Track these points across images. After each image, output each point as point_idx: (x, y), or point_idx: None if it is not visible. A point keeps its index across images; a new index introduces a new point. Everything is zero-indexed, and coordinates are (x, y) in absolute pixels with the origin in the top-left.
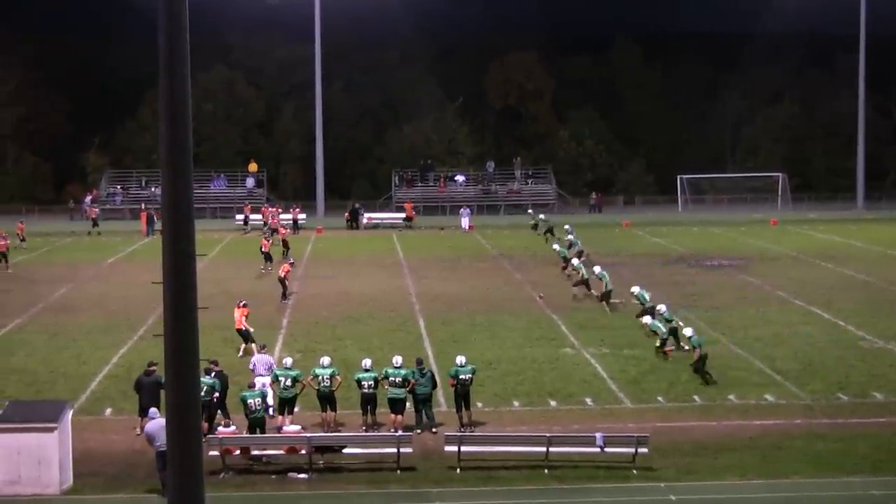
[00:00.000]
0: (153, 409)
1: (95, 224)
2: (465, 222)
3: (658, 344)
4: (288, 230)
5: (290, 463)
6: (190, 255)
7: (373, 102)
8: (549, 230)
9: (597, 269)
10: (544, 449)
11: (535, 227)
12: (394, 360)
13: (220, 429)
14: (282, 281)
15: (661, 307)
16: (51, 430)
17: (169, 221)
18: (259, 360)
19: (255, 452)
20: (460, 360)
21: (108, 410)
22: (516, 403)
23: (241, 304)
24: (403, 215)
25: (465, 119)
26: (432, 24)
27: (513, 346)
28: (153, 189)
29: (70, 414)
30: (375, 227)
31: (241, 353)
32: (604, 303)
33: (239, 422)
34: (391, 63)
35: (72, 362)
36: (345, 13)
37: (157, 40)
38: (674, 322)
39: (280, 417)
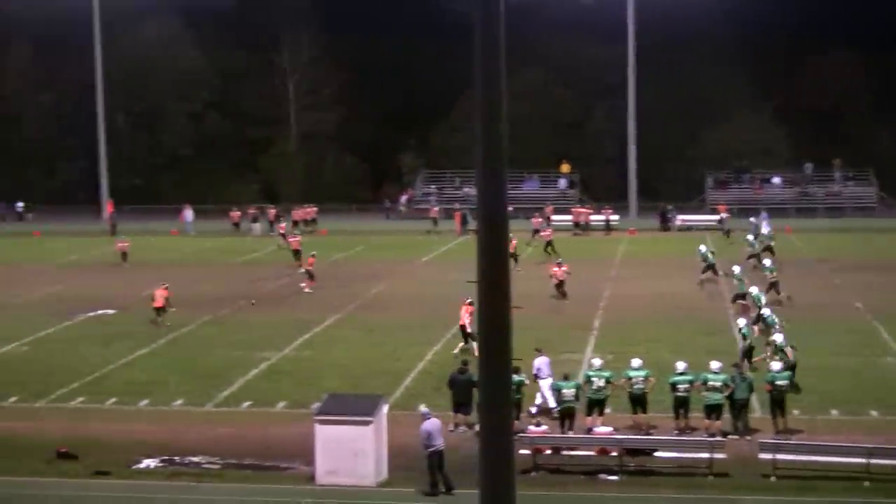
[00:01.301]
0: (425, 409)
1: (436, 223)
2: (764, 227)
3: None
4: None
5: (600, 464)
6: (504, 255)
7: (685, 103)
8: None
9: (736, 268)
10: (864, 460)
11: (727, 233)
12: (712, 365)
13: (531, 428)
14: (558, 283)
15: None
16: (367, 423)
17: (483, 221)
18: (542, 361)
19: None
20: (714, 365)
21: (423, 406)
22: (834, 412)
23: (468, 301)
24: (717, 217)
25: (780, 120)
26: (745, 24)
27: (830, 354)
28: (466, 189)
29: (385, 408)
30: (688, 228)
31: (456, 351)
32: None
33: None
34: (703, 63)
35: (387, 358)
36: (657, 13)
37: (472, 41)
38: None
39: (590, 418)
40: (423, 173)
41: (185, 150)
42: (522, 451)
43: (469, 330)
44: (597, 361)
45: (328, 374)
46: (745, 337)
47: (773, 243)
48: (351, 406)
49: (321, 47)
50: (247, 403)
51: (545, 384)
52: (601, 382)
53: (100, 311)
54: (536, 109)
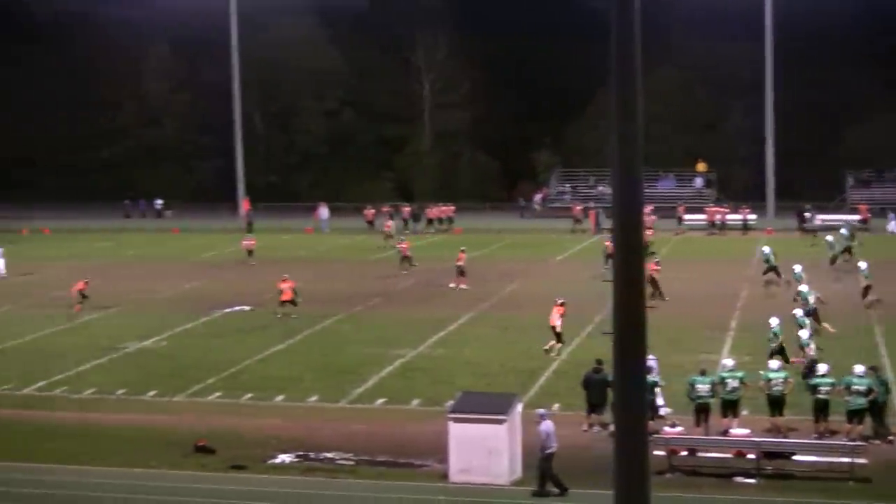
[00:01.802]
0: (543, 410)
1: (578, 221)
2: (892, 225)
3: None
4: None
5: (736, 467)
6: (639, 254)
7: (824, 101)
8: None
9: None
10: None
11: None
12: (855, 369)
13: (666, 429)
14: (651, 281)
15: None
16: (501, 421)
17: (619, 220)
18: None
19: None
20: (858, 369)
21: (556, 406)
22: None
23: (559, 302)
24: (858, 217)
25: None
26: (886, 20)
27: None
28: (601, 188)
29: (520, 407)
30: (827, 229)
31: (547, 348)
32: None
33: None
34: (842, 60)
35: (521, 357)
36: (795, 8)
37: (608, 38)
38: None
39: (725, 420)
40: (558, 171)
41: (320, 148)
42: (657, 452)
43: (559, 331)
44: (729, 362)
45: (462, 372)
46: (776, 336)
47: (852, 244)
48: (485, 404)
49: (455, 45)
50: (381, 400)
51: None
52: (735, 383)
53: (236, 308)
54: (672, 108)
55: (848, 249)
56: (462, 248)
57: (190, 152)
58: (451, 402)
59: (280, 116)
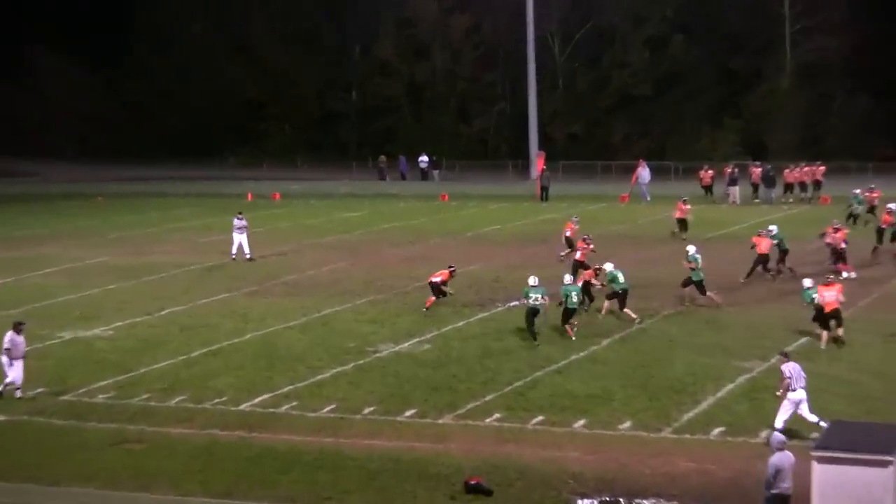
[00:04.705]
0: (781, 436)
1: None
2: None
3: None
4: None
5: None
6: None
7: None
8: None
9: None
10: None
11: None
12: None
13: None
14: None
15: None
16: (885, 464)
17: None
18: (793, 368)
19: None
20: None
21: None
22: None
23: None
24: None
25: None
26: None
27: None
28: None
29: None
30: None
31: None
32: None
33: None
34: None
35: None
36: None
37: None
38: None
39: None
40: None
41: (641, 88)
42: None
43: None
44: None
45: (831, 394)
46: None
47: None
48: (863, 439)
49: None
50: (718, 430)
51: (794, 397)
52: None
53: (524, 300)
54: None
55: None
56: (835, 223)
57: (465, 94)
58: (816, 435)
59: (584, 48)
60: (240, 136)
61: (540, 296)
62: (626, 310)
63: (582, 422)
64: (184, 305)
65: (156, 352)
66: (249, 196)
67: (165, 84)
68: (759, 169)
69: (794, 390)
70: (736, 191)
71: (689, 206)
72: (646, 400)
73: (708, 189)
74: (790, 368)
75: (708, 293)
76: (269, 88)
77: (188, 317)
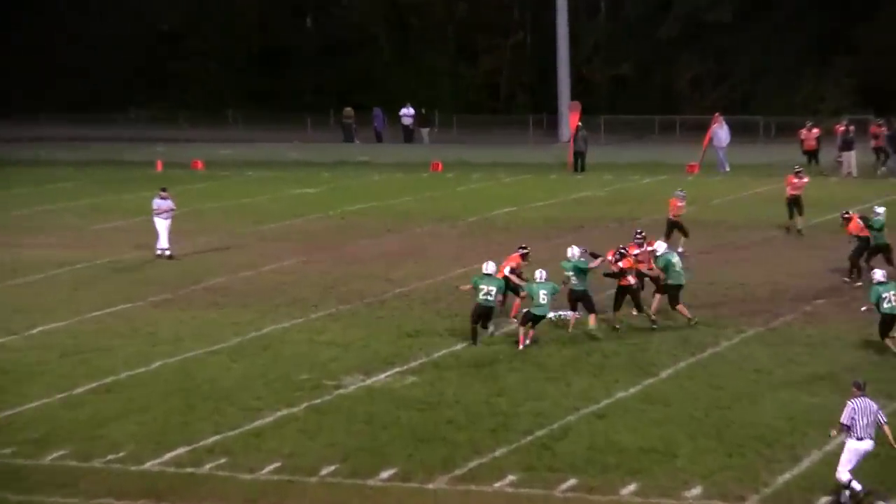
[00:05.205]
0: None
1: None
2: None
3: None
4: None
5: None
6: None
7: None
8: None
9: None
10: None
11: None
12: None
13: None
14: None
15: None
16: None
17: None
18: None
19: None
20: None
21: None
22: None
23: None
24: None
25: None
26: None
27: None
28: None
29: None
30: None
31: None
32: None
33: None
34: None
35: None
36: None
37: None
38: None
39: None
40: None
41: (717, 12)
42: None
43: None
44: None
45: None
46: None
47: None
48: None
49: None
50: (826, 499)
51: (857, 447)
52: None
53: (561, 313)
54: None
55: None
56: None
57: (468, 21)
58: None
59: None
60: (149, 80)
61: (494, 289)
62: (679, 306)
63: (632, 487)
64: (65, 321)
65: (24, 387)
66: (159, 165)
67: (51, 14)
68: (884, 128)
69: (860, 439)
70: (852, 157)
71: (805, 179)
72: (723, 456)
73: (812, 155)
74: (857, 407)
75: (678, 306)
76: (191, 14)
77: (72, 337)
